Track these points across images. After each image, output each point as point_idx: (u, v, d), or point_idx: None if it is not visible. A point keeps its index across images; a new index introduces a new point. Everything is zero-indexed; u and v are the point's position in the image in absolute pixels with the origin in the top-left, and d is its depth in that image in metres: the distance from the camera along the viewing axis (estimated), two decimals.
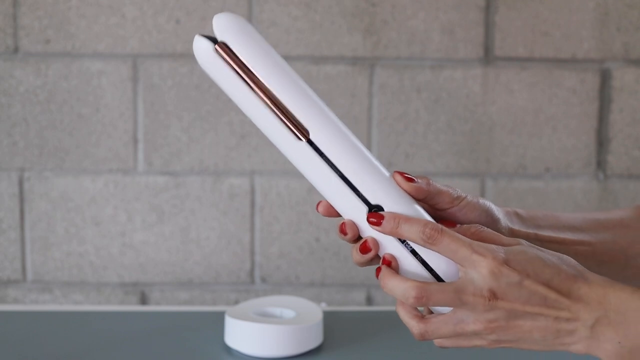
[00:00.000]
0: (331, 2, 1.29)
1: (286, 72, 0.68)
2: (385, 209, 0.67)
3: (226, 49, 0.67)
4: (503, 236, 0.68)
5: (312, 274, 1.35)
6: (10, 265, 1.35)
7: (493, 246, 0.65)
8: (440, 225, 0.66)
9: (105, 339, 1.09)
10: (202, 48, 0.68)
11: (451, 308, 0.65)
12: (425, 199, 0.69)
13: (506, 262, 0.64)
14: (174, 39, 1.30)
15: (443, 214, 0.71)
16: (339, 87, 1.31)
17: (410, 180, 0.68)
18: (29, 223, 1.33)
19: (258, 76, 0.67)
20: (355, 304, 1.36)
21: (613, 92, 1.32)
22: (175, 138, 1.32)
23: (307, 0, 1.30)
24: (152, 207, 1.33)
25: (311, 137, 0.67)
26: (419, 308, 0.67)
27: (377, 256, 0.68)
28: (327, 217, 0.74)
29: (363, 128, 1.32)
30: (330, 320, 1.16)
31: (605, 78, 1.32)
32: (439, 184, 0.70)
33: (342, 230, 0.68)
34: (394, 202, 0.67)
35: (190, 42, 1.32)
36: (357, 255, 0.68)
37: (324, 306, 1.25)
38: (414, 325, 0.66)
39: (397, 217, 0.66)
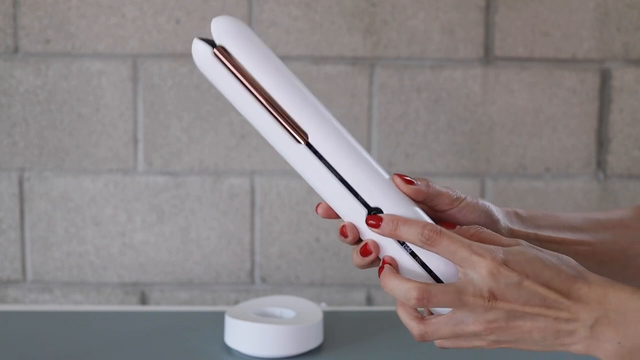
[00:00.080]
0: (331, 2, 1.29)
1: (284, 74, 0.68)
2: (385, 211, 0.67)
3: (224, 53, 0.67)
4: (503, 237, 0.68)
5: (312, 274, 1.35)
6: (10, 265, 1.35)
7: (492, 247, 0.65)
8: (439, 227, 0.66)
9: (105, 339, 1.09)
10: (200, 51, 0.68)
11: (451, 309, 0.65)
12: (424, 201, 0.69)
13: (505, 263, 0.64)
14: (174, 39, 1.30)
15: (443, 216, 0.71)
16: (339, 87, 1.31)
17: (409, 182, 0.68)
18: (29, 223, 1.33)
19: (256, 79, 0.67)
20: (355, 304, 1.36)
21: (613, 92, 1.32)
22: (175, 138, 1.32)
23: (307, 0, 1.30)
24: (152, 207, 1.33)
25: (310, 140, 0.67)
26: (418, 309, 0.68)
27: (377, 259, 0.68)
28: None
29: (363, 128, 1.32)
30: (330, 320, 1.16)
31: (605, 78, 1.32)
32: (439, 185, 0.70)
33: (343, 233, 0.68)
34: (393, 204, 0.67)
35: (190, 42, 1.33)
36: (358, 258, 0.68)
37: (324, 306, 1.25)
38: (413, 326, 0.66)
39: (396, 219, 0.66)
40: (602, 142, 1.33)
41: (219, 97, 1.30)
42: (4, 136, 1.31)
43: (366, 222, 0.67)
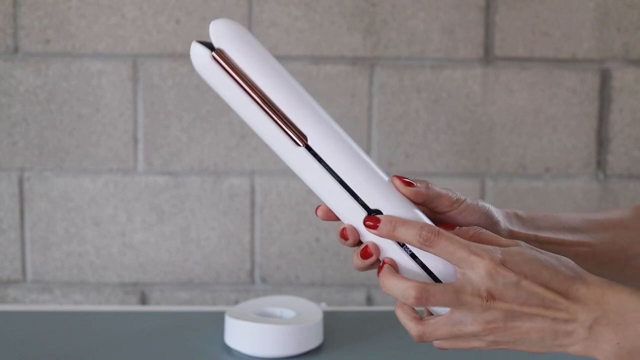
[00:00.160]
0: (331, 2, 1.29)
1: (283, 77, 0.68)
2: (384, 213, 0.67)
3: (223, 56, 0.67)
4: (502, 238, 0.68)
5: (312, 274, 1.35)
6: (10, 265, 1.35)
7: (490, 247, 0.65)
8: (437, 228, 0.66)
9: (105, 339, 1.09)
10: (199, 55, 0.68)
11: (449, 310, 0.65)
12: (424, 203, 0.69)
13: (503, 263, 0.64)
14: (174, 39, 1.30)
15: (443, 217, 0.71)
16: (339, 87, 1.31)
17: (409, 184, 0.68)
18: (29, 223, 1.33)
19: (255, 82, 0.67)
20: (355, 304, 1.36)
21: (613, 92, 1.32)
22: (175, 138, 1.32)
23: (307, 0, 1.30)
24: (152, 207, 1.33)
25: (309, 142, 0.67)
26: (418, 311, 0.68)
27: (377, 261, 0.69)
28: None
29: (363, 128, 1.32)
30: (330, 320, 1.16)
31: (605, 78, 1.32)
32: (438, 187, 0.70)
33: (343, 236, 0.68)
34: (392, 206, 0.67)
35: (191, 42, 1.33)
36: (358, 260, 0.68)
37: (324, 306, 1.25)
38: (412, 327, 0.66)
39: (394, 220, 0.66)
40: (602, 142, 1.33)
41: (218, 97, 1.30)
42: (4, 136, 1.31)
43: (364, 223, 0.67)
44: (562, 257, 0.67)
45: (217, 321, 1.13)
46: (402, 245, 0.67)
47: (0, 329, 1.13)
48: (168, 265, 1.35)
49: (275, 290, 1.35)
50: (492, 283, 0.63)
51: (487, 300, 0.63)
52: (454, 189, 0.72)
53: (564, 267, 0.66)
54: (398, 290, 0.65)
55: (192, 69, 1.30)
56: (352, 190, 0.67)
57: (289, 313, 1.10)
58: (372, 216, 0.67)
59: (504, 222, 0.73)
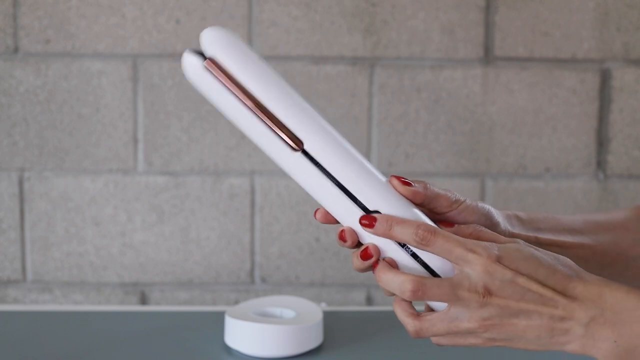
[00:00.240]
0: (331, 2, 1.29)
1: (277, 83, 0.68)
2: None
3: (215, 65, 0.67)
4: (500, 236, 0.68)
5: (312, 274, 1.35)
6: (10, 265, 1.35)
7: (487, 244, 0.65)
8: (434, 226, 0.66)
9: (105, 339, 1.09)
10: (191, 64, 0.67)
11: (447, 305, 0.65)
12: (423, 203, 0.69)
13: (500, 260, 0.64)
14: (174, 39, 1.30)
15: (442, 218, 0.71)
16: (339, 87, 1.31)
17: (407, 184, 0.68)
18: (29, 223, 1.33)
19: (249, 90, 0.67)
20: (355, 304, 1.36)
21: (613, 92, 1.32)
22: (175, 138, 1.32)
23: (307, 0, 1.30)
24: (152, 207, 1.33)
25: (305, 147, 0.67)
26: (417, 309, 0.68)
27: (377, 262, 0.69)
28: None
29: (363, 128, 1.32)
30: (330, 320, 1.16)
31: (605, 78, 1.32)
32: (437, 187, 0.70)
33: (342, 238, 0.68)
34: (391, 207, 0.67)
35: (191, 42, 1.33)
36: (358, 262, 0.68)
37: (324, 306, 1.25)
38: (409, 322, 0.66)
39: (390, 219, 0.66)
40: (602, 142, 1.33)
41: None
42: (4, 136, 1.31)
43: (360, 222, 0.67)
44: (560, 255, 0.67)
45: (217, 321, 1.13)
46: (403, 246, 0.67)
47: (0, 329, 1.13)
48: (168, 265, 1.35)
49: (275, 290, 1.35)
50: (489, 279, 0.64)
51: (484, 296, 0.64)
52: (453, 189, 0.72)
53: (561, 266, 0.66)
54: (395, 284, 0.65)
55: None
56: (350, 193, 0.67)
57: (289, 313, 1.10)
58: (368, 215, 0.67)
59: (504, 224, 0.73)
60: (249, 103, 0.67)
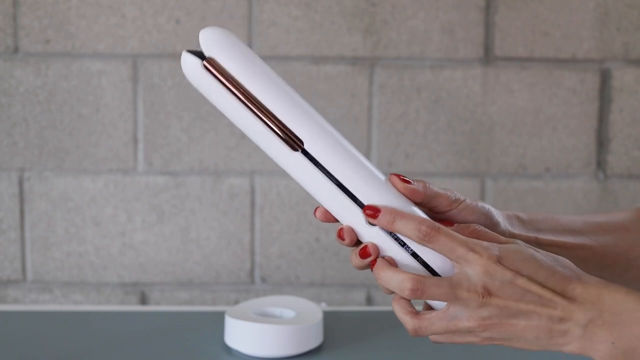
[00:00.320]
0: (331, 2, 1.29)
1: (276, 83, 0.68)
2: None
3: (214, 64, 0.67)
4: (500, 236, 0.68)
5: (312, 274, 1.35)
6: (10, 265, 1.35)
7: (488, 244, 0.65)
8: (437, 224, 0.66)
9: (105, 339, 1.09)
10: (190, 64, 0.67)
11: (446, 304, 0.65)
12: (422, 202, 0.69)
13: (500, 260, 0.64)
14: (174, 39, 1.30)
15: (441, 217, 0.71)
16: (339, 87, 1.31)
17: (406, 182, 0.68)
18: (29, 223, 1.33)
19: (248, 90, 0.67)
20: (355, 304, 1.36)
21: (613, 92, 1.32)
22: (175, 138, 1.32)
23: (307, 0, 1.30)
24: (152, 207, 1.33)
25: (305, 146, 0.67)
26: (416, 308, 0.68)
27: (376, 260, 0.69)
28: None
29: (363, 128, 1.32)
30: (330, 320, 1.16)
31: (605, 78, 1.32)
32: (437, 187, 0.70)
33: (340, 236, 0.68)
34: (391, 205, 0.67)
35: (191, 42, 1.33)
36: (356, 259, 0.68)
37: (324, 306, 1.25)
38: (407, 320, 0.67)
39: (394, 212, 0.66)
40: (602, 142, 1.33)
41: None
42: (4, 136, 1.31)
43: (364, 211, 0.67)
44: (560, 257, 0.67)
45: (217, 321, 1.13)
46: (403, 245, 0.67)
47: (0, 329, 1.13)
48: (168, 265, 1.35)
49: (275, 290, 1.35)
50: (488, 279, 0.64)
51: (483, 297, 0.64)
52: (454, 189, 0.72)
53: (560, 267, 0.66)
54: (394, 282, 0.65)
55: None
56: (349, 192, 0.68)
57: (289, 313, 1.10)
58: (373, 205, 0.67)
59: (504, 224, 0.74)
60: (248, 103, 0.67)
